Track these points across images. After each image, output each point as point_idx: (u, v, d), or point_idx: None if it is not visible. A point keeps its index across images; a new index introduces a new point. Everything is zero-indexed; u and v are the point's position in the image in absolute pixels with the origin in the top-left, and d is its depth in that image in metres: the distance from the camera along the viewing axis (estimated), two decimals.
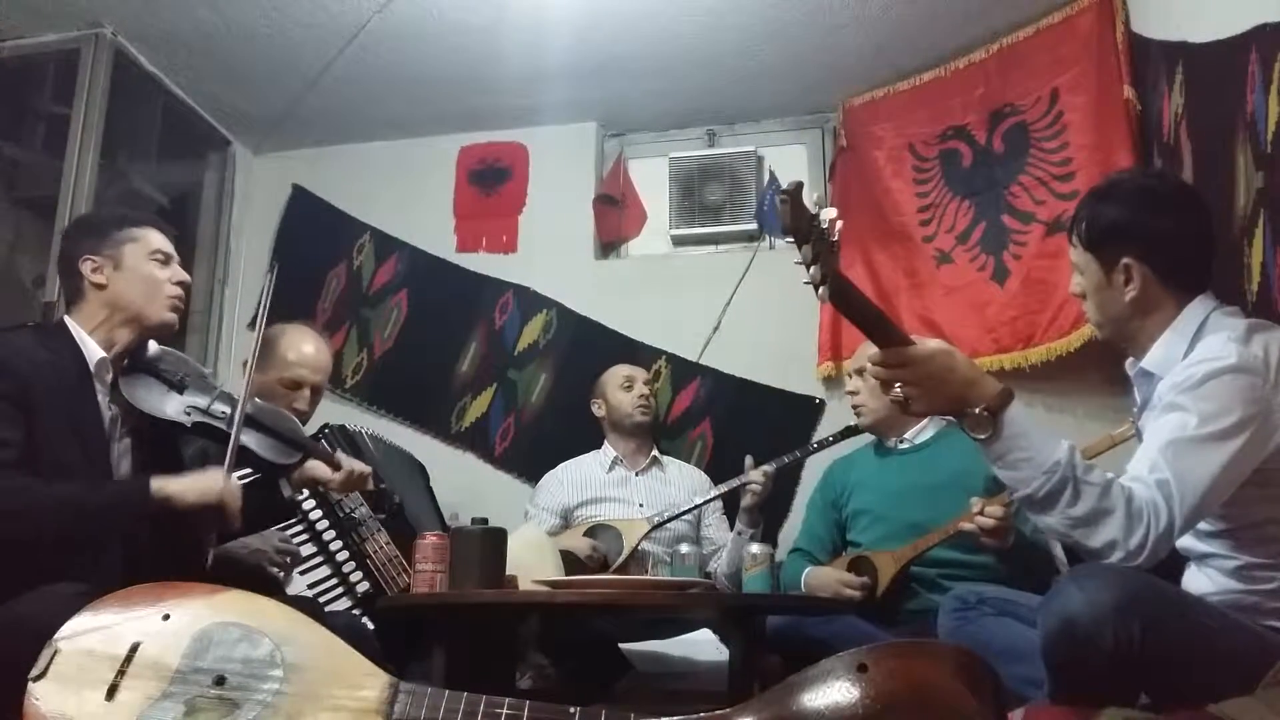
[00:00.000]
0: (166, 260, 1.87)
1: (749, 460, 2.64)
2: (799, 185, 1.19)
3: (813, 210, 1.20)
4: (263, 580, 2.12)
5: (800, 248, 1.23)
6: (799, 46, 3.09)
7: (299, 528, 2.36)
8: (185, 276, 1.89)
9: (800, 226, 1.20)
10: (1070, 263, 1.65)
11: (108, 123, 3.04)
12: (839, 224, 1.22)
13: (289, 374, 2.38)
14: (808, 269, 1.24)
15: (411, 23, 2.99)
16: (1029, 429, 1.36)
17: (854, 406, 2.62)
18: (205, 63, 3.20)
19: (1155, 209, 1.55)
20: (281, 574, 2.21)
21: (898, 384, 1.39)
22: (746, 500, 2.62)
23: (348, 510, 2.40)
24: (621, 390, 3.00)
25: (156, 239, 1.87)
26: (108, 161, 3.08)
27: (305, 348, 2.43)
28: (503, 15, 2.95)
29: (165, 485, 1.66)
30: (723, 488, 2.73)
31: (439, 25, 3.00)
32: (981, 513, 2.10)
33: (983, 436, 1.36)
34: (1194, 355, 1.45)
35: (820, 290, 1.23)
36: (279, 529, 2.24)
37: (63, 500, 1.59)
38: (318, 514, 2.38)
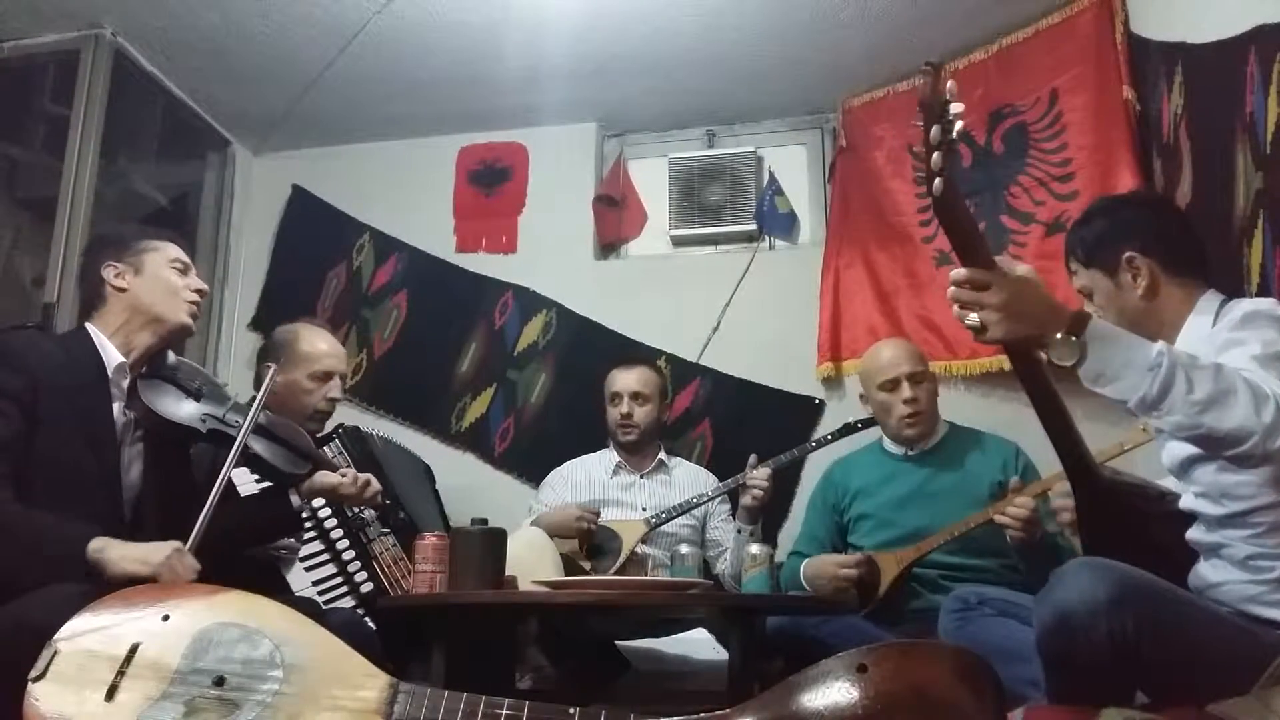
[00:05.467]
0: (185, 269, 1.94)
1: (752, 459, 2.56)
2: (940, 63, 1.20)
3: (947, 96, 1.18)
4: (265, 566, 2.19)
5: (929, 128, 1.20)
6: (799, 46, 3.09)
7: (307, 524, 2.39)
8: (203, 285, 1.96)
9: (934, 105, 1.19)
10: (1076, 282, 1.67)
11: (108, 123, 3.05)
12: (959, 125, 1.20)
13: (320, 366, 2.47)
14: (930, 154, 1.20)
15: (411, 23, 2.99)
16: (1116, 335, 1.32)
17: (911, 416, 2.44)
18: (205, 63, 3.20)
19: (1135, 207, 1.68)
20: (286, 555, 2.25)
21: (977, 309, 1.32)
22: (747, 500, 2.54)
23: (356, 510, 2.44)
24: (610, 405, 2.92)
25: (175, 250, 1.95)
26: (108, 161, 3.09)
27: (322, 342, 2.54)
28: (503, 15, 2.95)
29: (105, 548, 1.55)
30: (723, 486, 2.67)
31: (439, 25, 3.00)
32: (1011, 506, 2.08)
33: (1072, 362, 1.32)
34: (1225, 313, 1.48)
35: (936, 182, 1.20)
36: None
37: (8, 524, 1.55)
38: (326, 512, 2.41)
